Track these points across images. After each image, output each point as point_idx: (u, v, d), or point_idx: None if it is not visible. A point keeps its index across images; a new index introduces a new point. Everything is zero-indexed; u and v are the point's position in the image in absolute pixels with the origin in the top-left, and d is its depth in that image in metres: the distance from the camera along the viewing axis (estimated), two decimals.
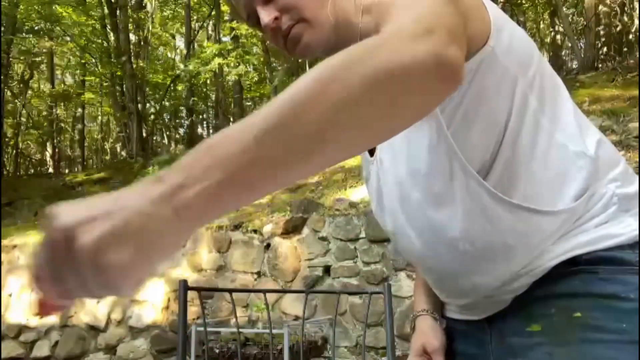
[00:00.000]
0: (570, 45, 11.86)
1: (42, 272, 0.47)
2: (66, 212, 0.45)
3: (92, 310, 6.44)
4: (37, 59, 16.84)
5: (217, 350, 3.87)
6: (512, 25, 0.82)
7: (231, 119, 14.09)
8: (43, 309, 0.51)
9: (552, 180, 0.80)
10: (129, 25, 14.20)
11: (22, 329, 6.57)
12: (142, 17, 14.71)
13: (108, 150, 18.88)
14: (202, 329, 2.28)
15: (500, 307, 0.86)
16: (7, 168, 15.79)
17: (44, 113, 17.93)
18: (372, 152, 0.95)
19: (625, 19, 10.92)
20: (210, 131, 20.55)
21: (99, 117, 19.94)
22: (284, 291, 6.07)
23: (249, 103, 18.65)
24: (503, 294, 0.84)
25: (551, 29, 13.10)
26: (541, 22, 14.33)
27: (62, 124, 18.94)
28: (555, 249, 0.80)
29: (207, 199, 0.47)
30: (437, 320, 1.03)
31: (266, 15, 0.82)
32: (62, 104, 17.89)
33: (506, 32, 0.79)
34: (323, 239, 5.55)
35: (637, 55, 9.64)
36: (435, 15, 0.59)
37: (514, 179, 0.79)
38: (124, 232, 0.45)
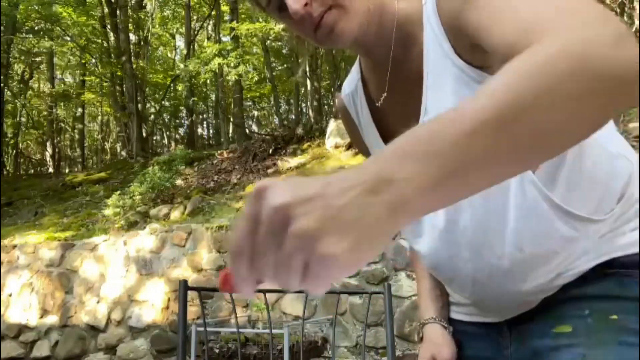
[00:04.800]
0: None
1: (243, 247, 0.43)
2: (279, 189, 0.42)
3: (92, 310, 6.44)
4: (37, 59, 16.85)
5: (217, 350, 3.87)
6: None
7: (231, 119, 14.09)
8: (225, 285, 0.47)
9: (600, 185, 0.78)
10: (129, 25, 14.20)
11: (22, 329, 6.57)
12: (142, 17, 14.71)
13: (108, 150, 18.88)
14: (202, 329, 2.28)
15: (527, 309, 0.84)
16: (7, 168, 15.79)
17: (44, 113, 17.93)
18: None
19: (625, 19, 10.92)
20: (211, 131, 20.56)
21: (99, 117, 19.95)
22: (284, 291, 6.06)
23: (249, 103, 18.66)
24: (535, 294, 0.82)
25: None
26: None
27: (62, 124, 18.95)
28: (592, 251, 0.79)
29: (422, 194, 0.44)
30: (447, 328, 1.00)
31: (295, 1, 0.73)
32: (62, 104, 17.89)
33: None
34: None
35: (637, 55, 9.63)
36: (608, 17, 0.54)
37: (572, 188, 0.77)
38: (340, 221, 0.41)
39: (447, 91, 0.77)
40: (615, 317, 0.75)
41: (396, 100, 0.86)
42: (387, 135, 0.90)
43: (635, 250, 0.78)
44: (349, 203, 0.42)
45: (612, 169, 0.79)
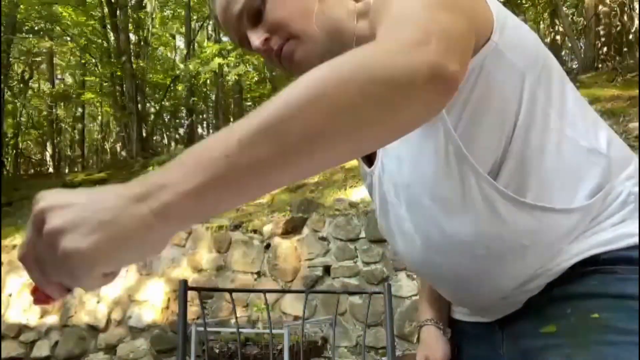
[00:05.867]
0: (570, 45, 11.86)
1: (27, 253, 0.48)
2: (48, 197, 0.48)
3: (92, 310, 6.44)
4: (37, 59, 16.85)
5: (217, 350, 3.87)
6: (515, 20, 0.80)
7: (231, 119, 14.09)
8: (36, 297, 0.51)
9: (565, 177, 0.78)
10: (129, 25, 14.20)
11: (22, 329, 6.57)
12: (142, 17, 14.70)
13: (108, 150, 18.88)
14: (202, 329, 2.28)
15: (514, 309, 0.85)
16: (7, 168, 15.79)
17: (44, 113, 17.92)
18: (370, 162, 0.92)
19: (625, 19, 10.91)
20: (210, 131, 20.55)
21: (99, 117, 19.94)
22: (284, 291, 6.07)
23: (249, 103, 18.65)
24: (518, 295, 0.82)
25: (551, 29, 13.10)
26: (541, 22, 14.33)
27: (62, 124, 18.94)
28: (572, 249, 0.78)
29: (187, 200, 0.47)
30: (442, 329, 1.01)
31: (256, 39, 0.81)
32: (62, 104, 17.89)
33: (510, 27, 0.77)
34: (323, 239, 5.55)
35: (637, 55, 9.64)
36: (434, 22, 0.57)
37: (526, 178, 0.77)
38: (91, 221, 0.45)
39: None
40: (597, 315, 0.75)
41: None
42: None
43: (617, 246, 0.77)
44: (106, 206, 0.46)
45: (582, 164, 0.78)
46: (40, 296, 0.51)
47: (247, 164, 0.48)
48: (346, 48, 0.81)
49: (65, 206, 0.46)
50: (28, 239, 0.48)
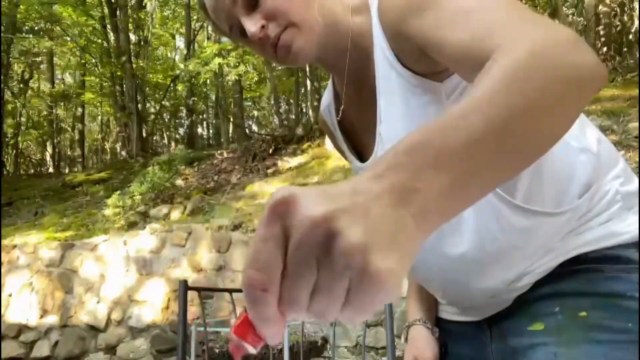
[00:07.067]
0: None
1: (268, 277, 0.36)
2: (311, 200, 0.37)
3: (92, 310, 6.44)
4: (37, 59, 16.86)
5: (217, 350, 3.87)
6: None
7: (231, 119, 14.09)
8: (247, 341, 0.38)
9: (556, 177, 0.78)
10: (129, 25, 14.20)
11: (22, 329, 6.57)
12: (142, 17, 14.71)
13: (108, 150, 18.90)
14: (202, 329, 2.28)
15: (502, 307, 0.85)
16: (7, 168, 15.80)
17: (44, 113, 17.95)
18: (361, 158, 0.92)
19: (625, 18, 10.92)
20: (211, 131, 20.56)
21: (99, 117, 19.96)
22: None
23: (249, 103, 18.66)
24: (506, 293, 0.83)
25: None
26: None
27: (62, 124, 18.96)
28: (561, 247, 0.79)
29: (440, 205, 0.42)
30: (430, 329, 1.02)
31: (252, 25, 0.77)
32: (62, 104, 17.90)
33: None
34: None
35: (637, 55, 9.65)
36: (555, 23, 0.58)
37: (518, 179, 0.77)
38: (383, 233, 0.37)
39: (396, 100, 0.79)
40: (584, 313, 0.75)
41: (358, 112, 0.89)
42: (356, 145, 0.94)
43: (604, 245, 0.78)
44: (384, 215, 0.38)
45: (573, 163, 0.79)
46: (252, 339, 0.37)
47: (483, 163, 0.45)
48: (339, 42, 0.82)
49: (345, 212, 0.37)
50: (275, 255, 0.36)
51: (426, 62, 0.73)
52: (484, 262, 0.81)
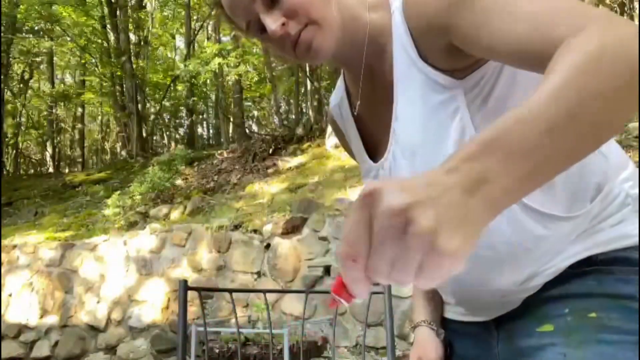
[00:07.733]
0: None
1: (357, 250, 0.45)
2: (394, 193, 0.44)
3: (92, 310, 6.44)
4: (37, 59, 16.85)
5: (217, 350, 3.87)
6: None
7: (231, 119, 14.09)
8: (341, 297, 0.49)
9: (570, 180, 0.78)
10: (129, 25, 14.20)
11: (22, 329, 6.57)
12: (142, 17, 14.71)
13: (108, 150, 18.90)
14: (202, 329, 2.28)
15: (511, 308, 0.85)
16: (7, 168, 15.80)
17: (44, 113, 17.94)
18: (373, 158, 0.92)
19: (625, 18, 10.93)
20: (211, 131, 20.56)
21: (99, 117, 19.95)
22: (284, 291, 6.07)
23: (249, 103, 18.65)
24: (516, 294, 0.83)
25: None
26: None
27: (62, 124, 18.96)
28: (571, 249, 0.79)
29: (508, 192, 0.48)
30: (435, 330, 1.02)
31: (272, 22, 0.76)
32: (62, 104, 17.90)
33: None
34: (323, 239, 5.55)
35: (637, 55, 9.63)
36: (614, 14, 0.60)
37: (544, 186, 0.77)
38: (453, 219, 0.45)
39: (415, 97, 0.79)
40: (594, 314, 0.75)
41: (372, 109, 0.89)
42: (368, 143, 0.93)
43: (614, 247, 0.78)
44: (452, 204, 0.45)
45: (585, 166, 0.79)
46: (346, 297, 0.49)
47: (553, 151, 0.50)
48: (356, 38, 0.82)
49: (421, 203, 0.44)
50: (363, 234, 0.45)
51: (454, 58, 0.73)
52: (496, 263, 0.80)
